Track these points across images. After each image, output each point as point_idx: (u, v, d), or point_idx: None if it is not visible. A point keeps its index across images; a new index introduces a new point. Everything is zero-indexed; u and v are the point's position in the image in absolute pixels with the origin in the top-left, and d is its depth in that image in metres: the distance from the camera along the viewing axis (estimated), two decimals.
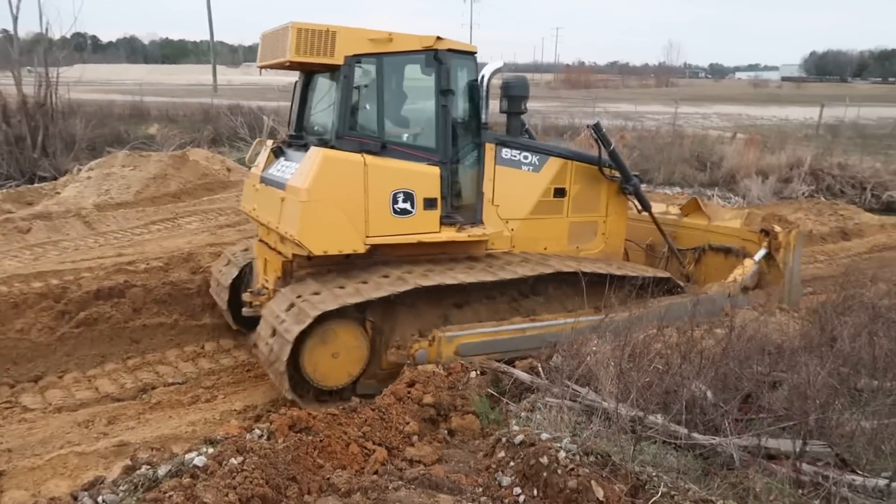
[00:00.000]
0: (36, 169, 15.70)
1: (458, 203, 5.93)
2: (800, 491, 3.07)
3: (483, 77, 5.97)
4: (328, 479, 3.21)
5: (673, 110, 27.98)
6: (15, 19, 17.12)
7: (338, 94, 5.43)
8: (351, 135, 5.40)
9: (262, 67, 5.97)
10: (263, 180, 6.03)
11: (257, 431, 3.50)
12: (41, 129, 16.15)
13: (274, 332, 5.09)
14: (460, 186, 6.08)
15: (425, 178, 5.59)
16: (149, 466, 3.16)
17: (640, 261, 7.58)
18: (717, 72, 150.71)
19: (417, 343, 5.36)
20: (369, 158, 5.33)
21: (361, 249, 5.39)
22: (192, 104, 25.99)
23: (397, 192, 5.45)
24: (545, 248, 6.55)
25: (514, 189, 6.28)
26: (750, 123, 31.17)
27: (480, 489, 3.21)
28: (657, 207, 7.70)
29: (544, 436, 3.39)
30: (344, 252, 5.38)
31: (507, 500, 3.10)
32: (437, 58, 5.61)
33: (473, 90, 5.97)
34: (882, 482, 3.09)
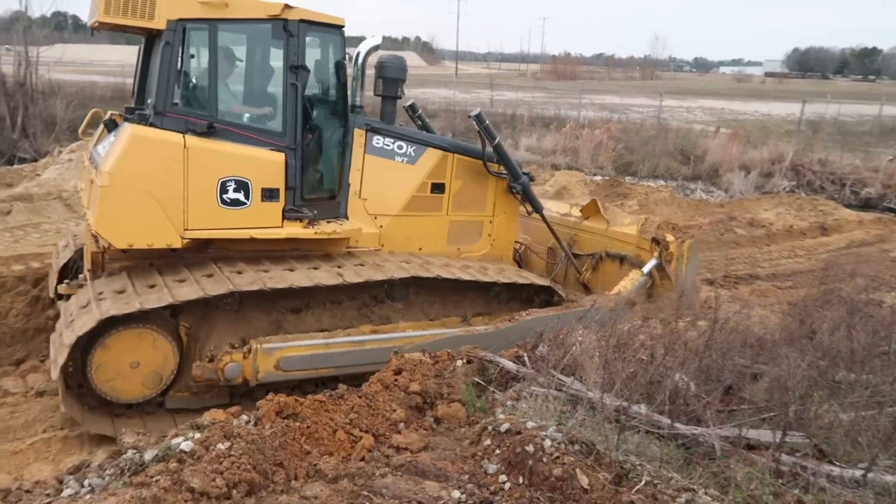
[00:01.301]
0: (16, 150, 15.46)
1: (312, 195, 5.29)
2: (779, 480, 3.13)
3: (358, 55, 5.44)
4: (315, 465, 3.22)
5: (658, 103, 28.16)
6: None
7: (159, 65, 4.72)
8: (174, 111, 4.70)
9: (91, 28, 5.16)
10: (91, 158, 5.34)
11: (244, 417, 3.50)
12: (20, 110, 15.89)
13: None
14: (319, 176, 5.49)
15: (264, 165, 4.91)
16: (135, 451, 3.15)
17: (540, 265, 7.11)
18: (701, 65, 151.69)
19: (229, 355, 4.71)
20: (192, 140, 4.65)
21: (177, 244, 4.72)
22: None
23: (227, 180, 4.76)
24: (420, 249, 5.93)
25: (385, 182, 5.67)
26: (733, 118, 31.46)
27: (466, 476, 3.24)
28: (559, 208, 7.37)
29: (530, 424, 3.43)
30: (155, 247, 4.70)
31: (492, 488, 3.13)
32: (287, 29, 4.95)
33: (339, 69, 5.33)
34: (858, 473, 3.16)
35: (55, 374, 4.25)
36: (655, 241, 6.12)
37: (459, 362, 4.46)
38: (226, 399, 4.90)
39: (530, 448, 3.18)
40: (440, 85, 36.91)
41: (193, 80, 4.95)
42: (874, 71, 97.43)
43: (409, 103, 7.12)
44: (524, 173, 6.18)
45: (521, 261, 7.16)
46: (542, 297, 6.07)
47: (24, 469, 4.17)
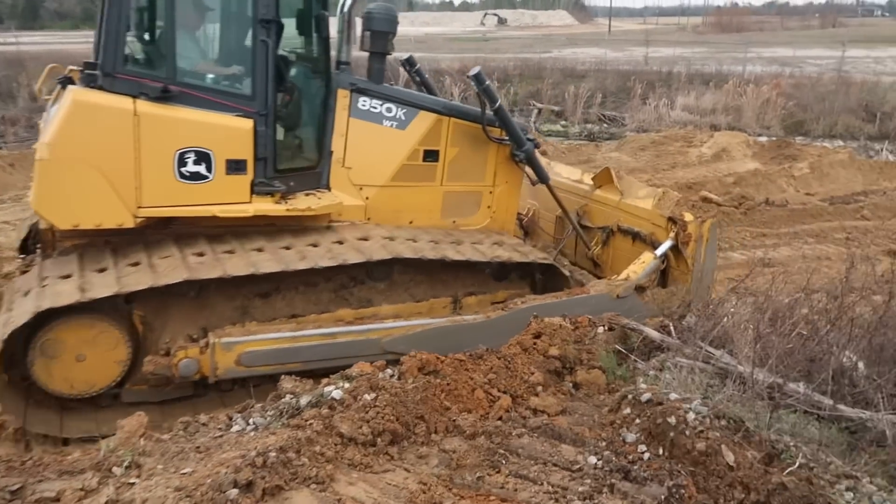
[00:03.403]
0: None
1: (287, 165, 4.77)
2: None
3: (343, 4, 4.88)
4: (454, 420, 3.34)
5: (839, 54, 25.26)
6: None
7: (106, 15, 4.16)
8: (125, 72, 4.12)
9: None
10: (44, 120, 4.79)
11: (388, 371, 3.69)
12: None
13: None
14: (297, 143, 5.00)
15: (229, 133, 4.37)
16: (292, 396, 3.44)
17: (550, 233, 6.44)
18: None
19: (183, 350, 4.21)
20: (144, 106, 4.10)
21: (130, 223, 4.22)
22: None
23: (185, 152, 4.25)
24: (411, 222, 5.31)
25: (371, 149, 5.07)
26: None
27: (604, 443, 3.21)
28: (571, 174, 6.61)
29: (673, 396, 3.31)
30: (104, 227, 4.20)
31: (630, 457, 3.08)
32: None
33: (320, 22, 4.80)
34: None
35: None
36: (672, 220, 5.37)
37: (601, 329, 4.38)
38: (189, 391, 4.54)
39: (672, 420, 3.08)
40: (591, 44, 35.65)
41: (146, 36, 4.42)
42: None
43: (406, 57, 6.30)
44: (529, 139, 5.54)
45: (527, 229, 6.66)
46: (546, 273, 5.43)
47: None
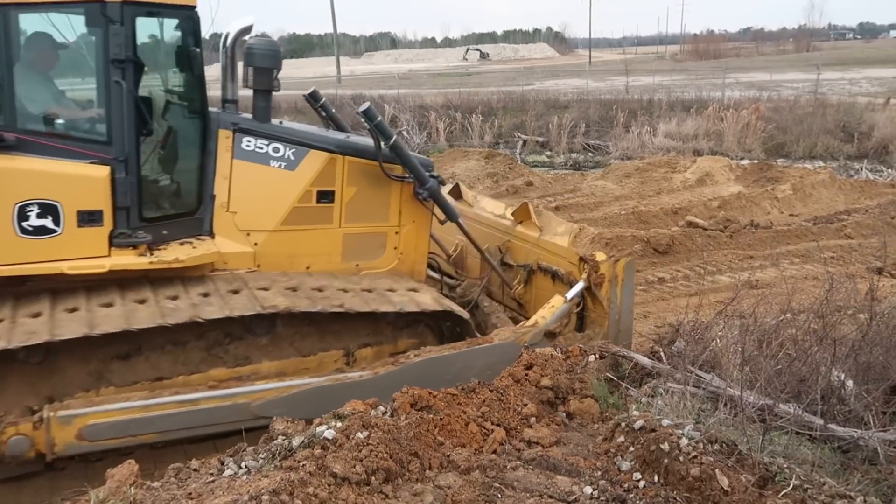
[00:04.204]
0: None
1: (158, 213, 4.44)
2: None
3: (226, 39, 4.68)
4: (448, 455, 3.32)
5: (814, 77, 25.85)
6: None
7: None
8: None
9: None
10: None
11: (381, 408, 3.68)
12: None
13: None
14: (172, 189, 4.66)
15: (79, 183, 4.03)
16: (284, 437, 3.42)
17: (476, 271, 6.08)
18: (867, 31, 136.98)
19: (13, 426, 3.74)
20: None
21: None
22: None
23: (27, 205, 3.90)
24: (308, 267, 4.98)
25: (258, 191, 4.76)
26: None
27: (599, 472, 3.20)
28: (494, 208, 6.24)
29: (665, 422, 3.32)
30: None
31: (626, 485, 3.07)
32: (105, 13, 3.98)
33: (192, 59, 4.52)
34: None
35: None
36: (583, 260, 5.10)
37: (592, 357, 4.40)
38: (39, 466, 4.04)
39: (665, 446, 3.08)
40: (573, 75, 36.23)
41: None
42: None
43: (310, 91, 5.90)
44: (432, 176, 5.20)
45: (456, 266, 6.34)
46: (454, 320, 4.98)
47: None
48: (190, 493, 2.94)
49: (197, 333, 4.32)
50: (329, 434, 3.26)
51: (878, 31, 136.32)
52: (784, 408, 3.32)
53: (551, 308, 4.91)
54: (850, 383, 3.45)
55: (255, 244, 4.79)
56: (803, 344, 3.78)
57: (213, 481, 3.09)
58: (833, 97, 23.35)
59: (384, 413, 3.62)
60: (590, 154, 19.97)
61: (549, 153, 20.25)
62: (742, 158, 17.50)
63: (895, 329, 3.85)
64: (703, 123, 20.04)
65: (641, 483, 3.06)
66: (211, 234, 4.69)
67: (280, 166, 4.81)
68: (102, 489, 3.09)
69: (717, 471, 2.89)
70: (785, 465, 2.96)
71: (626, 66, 34.39)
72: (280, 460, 3.15)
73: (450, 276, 6.29)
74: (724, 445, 3.09)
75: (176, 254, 4.38)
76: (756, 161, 16.48)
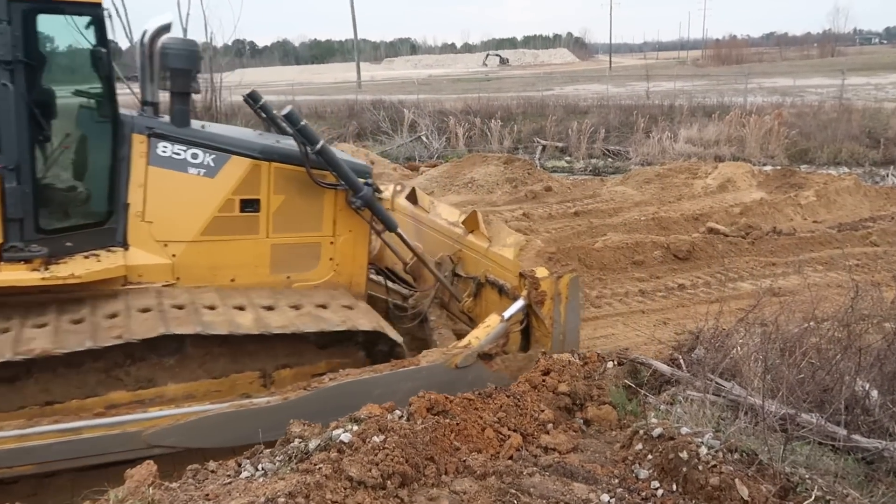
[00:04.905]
0: None
1: (60, 224, 4.18)
2: None
3: (143, 38, 4.43)
4: (464, 461, 3.31)
5: (839, 82, 25.50)
6: (185, 31, 18.99)
7: None
8: None
9: None
10: None
11: (398, 412, 3.68)
12: None
13: None
14: (80, 197, 4.43)
15: None
16: (300, 440, 3.43)
17: (432, 280, 5.66)
18: (894, 36, 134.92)
19: None
20: None
21: None
22: (339, 101, 27.49)
23: None
24: (233, 280, 4.73)
25: (176, 200, 4.51)
26: None
27: (616, 480, 3.16)
28: (449, 215, 5.89)
29: (684, 430, 3.28)
30: None
31: (643, 493, 3.04)
32: None
33: (97, 60, 4.24)
34: None
35: None
36: (522, 276, 4.73)
37: (610, 364, 4.36)
38: None
39: (684, 455, 3.04)
40: (593, 80, 36.11)
41: None
42: None
43: (248, 92, 5.55)
44: (367, 183, 4.90)
45: (413, 275, 6.00)
46: (382, 340, 4.67)
47: None
48: (207, 495, 2.96)
49: (93, 355, 3.99)
50: (345, 437, 3.26)
51: None
52: (806, 417, 3.26)
53: (486, 328, 4.57)
54: (874, 393, 3.39)
55: (174, 256, 4.54)
56: (827, 353, 3.71)
57: (230, 483, 3.11)
58: (858, 102, 23.02)
59: (400, 417, 3.61)
60: (610, 159, 19.87)
61: (568, 158, 20.20)
62: (764, 164, 17.31)
63: None
64: (725, 129, 19.87)
65: (659, 492, 3.02)
66: (125, 246, 4.43)
67: (199, 173, 4.54)
68: (121, 489, 3.12)
69: (736, 480, 2.85)
70: (807, 476, 2.90)
71: (647, 71, 34.19)
72: (296, 463, 3.16)
73: (409, 286, 6.03)
74: (744, 455, 3.04)
75: (72, 269, 4.11)
76: (779, 167, 16.29)
